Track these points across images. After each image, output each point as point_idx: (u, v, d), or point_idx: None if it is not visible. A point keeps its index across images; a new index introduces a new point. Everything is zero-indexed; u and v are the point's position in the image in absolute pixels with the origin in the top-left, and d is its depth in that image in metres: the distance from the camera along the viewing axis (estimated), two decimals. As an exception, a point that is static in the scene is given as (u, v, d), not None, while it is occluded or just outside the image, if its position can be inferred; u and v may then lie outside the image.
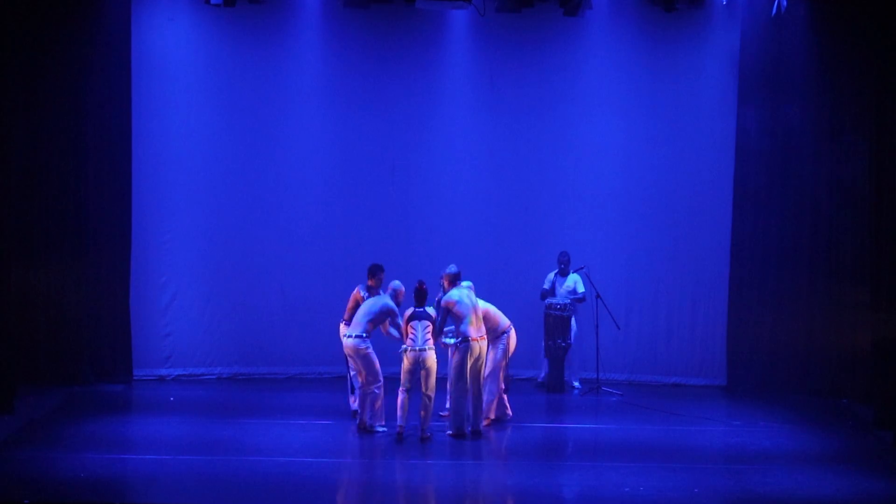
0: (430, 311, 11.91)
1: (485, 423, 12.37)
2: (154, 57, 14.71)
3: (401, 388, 11.84)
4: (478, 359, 11.98)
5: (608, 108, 15.24)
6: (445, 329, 12.12)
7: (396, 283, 12.36)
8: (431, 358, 11.79)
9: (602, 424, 13.27)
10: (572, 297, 14.61)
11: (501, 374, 12.58)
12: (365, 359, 12.02)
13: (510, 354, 12.71)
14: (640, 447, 11.96)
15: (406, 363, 11.81)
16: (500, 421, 12.65)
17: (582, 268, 14.63)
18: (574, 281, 14.67)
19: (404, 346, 11.87)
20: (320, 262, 15.09)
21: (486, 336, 12.12)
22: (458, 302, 11.94)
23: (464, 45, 15.27)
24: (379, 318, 12.12)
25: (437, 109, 15.36)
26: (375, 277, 12.59)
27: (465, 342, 11.89)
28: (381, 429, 12.10)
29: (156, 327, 14.83)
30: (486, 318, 12.39)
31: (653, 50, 15.12)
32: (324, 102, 15.19)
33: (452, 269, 12.22)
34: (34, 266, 13.95)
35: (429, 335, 11.79)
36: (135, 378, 14.61)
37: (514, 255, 15.25)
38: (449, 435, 11.97)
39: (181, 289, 14.91)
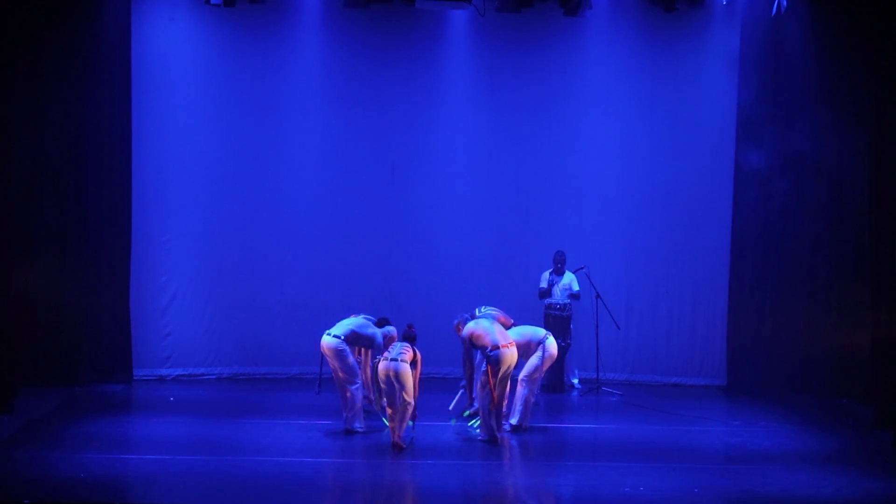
0: (418, 361, 11.65)
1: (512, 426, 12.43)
2: (154, 57, 14.71)
3: (385, 406, 11.65)
4: (508, 367, 11.73)
5: (608, 108, 15.24)
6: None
7: (391, 328, 12.37)
8: (405, 371, 11.40)
9: (602, 424, 13.28)
10: (569, 294, 14.61)
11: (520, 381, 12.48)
12: (342, 358, 11.97)
13: (548, 363, 12.57)
14: (640, 447, 11.96)
15: (379, 374, 11.53)
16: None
17: (582, 268, 14.63)
18: (570, 279, 14.68)
19: (378, 357, 11.70)
20: (320, 261, 15.09)
21: (514, 343, 11.89)
22: (475, 325, 11.86)
23: (464, 45, 15.27)
24: (364, 339, 12.11)
25: (437, 109, 15.36)
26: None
27: (494, 350, 11.65)
28: (360, 429, 12.07)
29: (156, 327, 14.83)
30: (519, 344, 12.24)
31: (653, 50, 15.12)
32: (324, 102, 15.19)
33: (457, 319, 12.32)
34: (34, 266, 13.95)
35: (405, 351, 11.49)
36: (135, 378, 14.61)
37: (513, 254, 15.25)
38: (481, 441, 11.84)
39: (181, 289, 14.91)
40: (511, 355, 11.74)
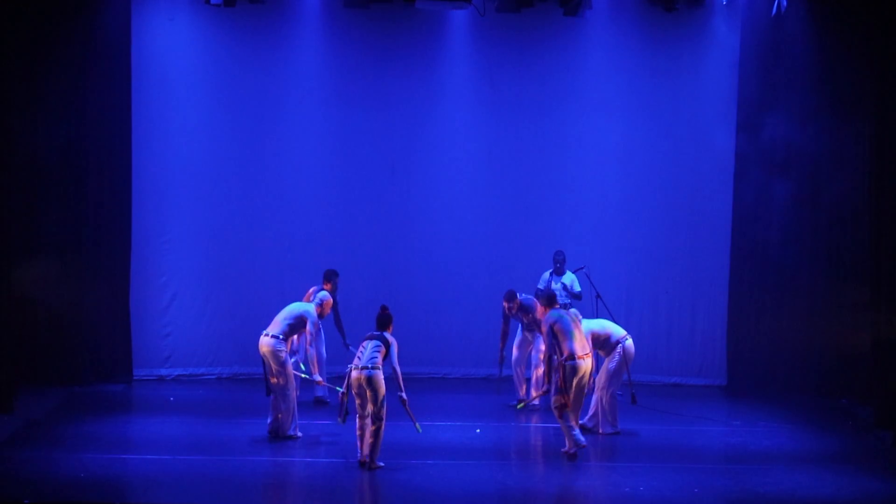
0: (394, 347, 10.90)
1: (613, 432, 12.33)
2: (154, 57, 14.71)
3: (357, 416, 10.90)
4: (583, 377, 11.40)
5: (608, 108, 15.24)
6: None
7: (324, 294, 12.24)
8: (377, 379, 10.72)
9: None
10: (570, 295, 14.61)
11: (605, 384, 12.40)
12: (279, 361, 11.78)
13: (628, 364, 12.44)
14: (641, 447, 11.96)
15: (351, 384, 10.82)
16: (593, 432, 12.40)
17: (582, 268, 14.61)
18: (570, 280, 14.67)
19: (350, 365, 10.97)
20: (320, 261, 15.00)
21: (591, 354, 11.61)
22: (558, 319, 11.43)
23: (464, 45, 15.27)
24: (299, 322, 11.92)
25: (436, 109, 15.36)
26: (331, 282, 12.86)
27: (570, 360, 11.31)
28: (299, 433, 11.87)
29: (156, 327, 14.84)
30: (597, 336, 12.23)
31: (653, 50, 15.13)
32: (324, 102, 15.19)
33: (542, 292, 11.99)
34: (34, 266, 13.94)
35: (377, 355, 10.78)
36: (135, 378, 14.61)
37: (513, 254, 15.25)
38: (564, 452, 11.37)
39: (181, 289, 14.91)
40: (587, 366, 11.39)
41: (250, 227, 15.04)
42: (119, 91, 14.40)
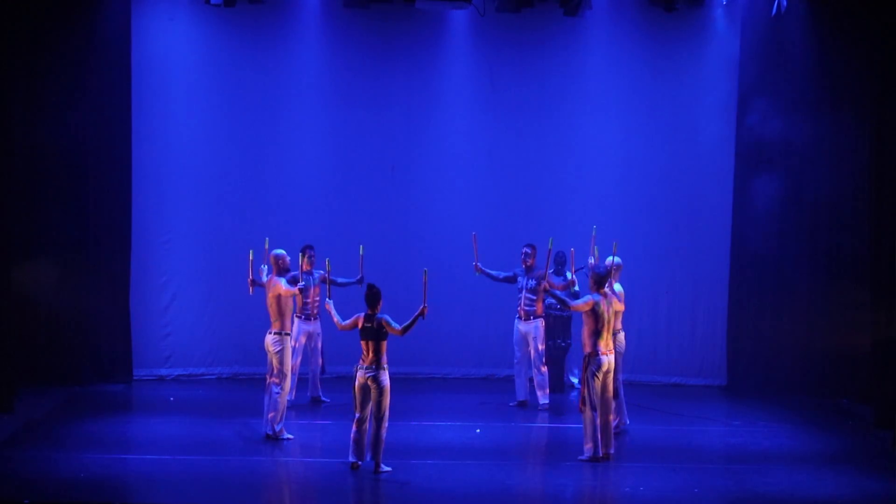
0: (388, 319, 10.65)
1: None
2: (154, 57, 14.72)
3: (354, 420, 10.77)
4: (607, 373, 11.32)
5: (608, 108, 15.25)
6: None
7: (278, 251, 12.14)
8: (382, 378, 10.66)
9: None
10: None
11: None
12: (279, 359, 11.74)
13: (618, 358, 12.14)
14: (640, 447, 11.95)
15: (356, 385, 10.73)
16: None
17: (582, 268, 14.60)
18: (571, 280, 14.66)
19: (356, 365, 10.80)
20: (320, 260, 15.05)
21: (613, 349, 11.47)
22: (597, 315, 11.21)
23: (464, 45, 15.28)
24: (278, 303, 11.86)
25: (436, 109, 15.37)
26: (304, 255, 12.99)
27: (594, 356, 11.23)
28: (286, 436, 11.78)
29: (156, 327, 14.84)
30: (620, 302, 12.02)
31: (653, 50, 15.13)
32: (323, 102, 15.21)
33: (602, 270, 11.61)
34: (34, 266, 13.94)
35: (381, 354, 10.66)
36: (135, 378, 14.62)
37: (513, 254, 15.22)
38: (581, 460, 11.21)
39: (181, 289, 14.92)
40: (610, 363, 11.31)
41: (250, 227, 14.99)
42: (119, 91, 14.41)
